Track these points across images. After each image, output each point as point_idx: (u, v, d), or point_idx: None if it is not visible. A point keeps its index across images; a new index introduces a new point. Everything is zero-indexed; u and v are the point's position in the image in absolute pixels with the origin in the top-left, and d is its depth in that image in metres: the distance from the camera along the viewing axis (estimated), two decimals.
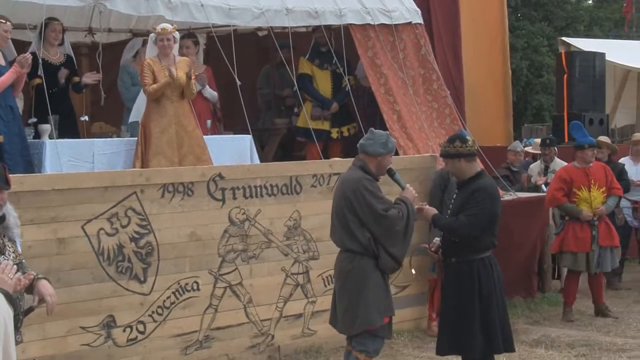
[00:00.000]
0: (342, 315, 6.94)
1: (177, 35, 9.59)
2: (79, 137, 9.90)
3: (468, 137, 7.13)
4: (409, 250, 7.09)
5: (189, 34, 10.80)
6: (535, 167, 11.98)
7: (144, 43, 10.44)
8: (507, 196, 11.01)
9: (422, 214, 7.19)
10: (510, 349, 7.12)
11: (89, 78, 10.07)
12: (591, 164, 10.43)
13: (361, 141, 7.06)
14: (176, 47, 9.57)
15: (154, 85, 9.26)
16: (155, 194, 8.06)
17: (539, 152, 12.82)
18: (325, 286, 9.12)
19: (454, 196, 7.21)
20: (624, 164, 12.06)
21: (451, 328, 7.01)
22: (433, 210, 7.27)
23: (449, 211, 7.17)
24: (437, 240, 7.27)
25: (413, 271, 8.61)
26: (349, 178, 6.96)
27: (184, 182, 8.24)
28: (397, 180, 7.11)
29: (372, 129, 7.14)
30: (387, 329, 7.02)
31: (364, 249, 6.80)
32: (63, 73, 9.87)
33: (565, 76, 13.71)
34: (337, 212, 6.93)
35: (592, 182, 10.31)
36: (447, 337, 7.06)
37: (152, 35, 9.52)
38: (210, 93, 10.81)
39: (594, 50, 14.69)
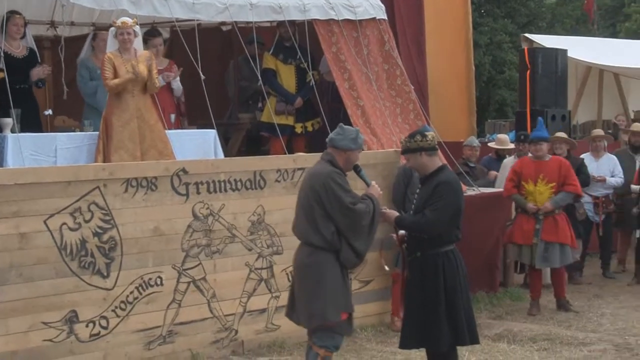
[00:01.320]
0: (301, 309, 7.00)
1: (138, 29, 9.55)
2: (42, 131, 9.84)
3: (428, 132, 7.15)
4: (378, 244, 7.11)
5: (152, 31, 10.76)
6: (509, 162, 12.04)
7: (95, 37, 10.42)
8: (470, 191, 11.07)
9: (384, 218, 7.17)
10: (475, 341, 7.15)
11: (38, 73, 9.94)
12: (546, 158, 10.53)
13: (331, 135, 7.11)
14: (137, 40, 9.52)
15: (115, 80, 9.21)
16: (118, 189, 8.03)
17: (503, 147, 12.91)
18: (289, 281, 9.10)
19: (417, 191, 7.21)
20: (583, 159, 12.15)
21: (416, 322, 7.00)
22: (394, 213, 7.28)
23: (413, 206, 7.18)
24: (402, 231, 7.26)
25: (386, 267, 8.68)
26: (318, 171, 6.98)
27: (148, 177, 8.21)
28: (362, 177, 7.15)
29: (342, 124, 7.19)
30: (345, 325, 7.06)
31: (326, 244, 6.83)
32: (36, 73, 9.81)
33: (528, 72, 13.77)
34: (303, 204, 6.96)
35: (541, 176, 10.39)
36: (412, 331, 7.06)
37: (112, 29, 9.46)
38: (178, 85, 10.81)
39: (556, 46, 14.78)
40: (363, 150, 7.43)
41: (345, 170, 7.03)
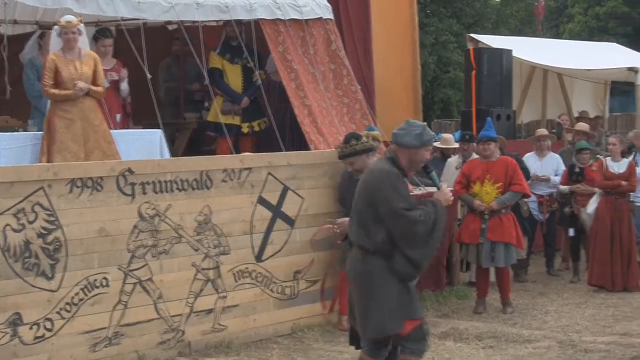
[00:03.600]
0: (358, 318, 6.52)
1: (83, 27, 9.46)
2: None
3: (362, 134, 7.12)
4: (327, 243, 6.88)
5: (104, 31, 10.69)
6: (454, 161, 12.12)
7: (42, 35, 10.33)
8: (417, 191, 11.11)
9: (341, 227, 7.03)
10: None
11: None
12: (494, 159, 10.62)
13: (395, 131, 6.45)
14: (82, 40, 9.43)
15: (55, 91, 9.16)
16: (63, 189, 7.95)
17: (448, 147, 12.98)
18: (236, 281, 9.11)
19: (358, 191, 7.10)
20: (517, 154, 12.22)
21: None
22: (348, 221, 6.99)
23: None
24: (345, 220, 7.09)
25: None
26: (375, 169, 6.47)
27: (93, 177, 8.14)
28: (433, 178, 6.65)
29: (409, 119, 6.59)
30: (418, 331, 6.51)
31: (377, 249, 6.32)
32: None
33: (474, 72, 13.88)
34: (357, 205, 6.43)
35: (489, 177, 10.48)
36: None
37: (56, 28, 9.37)
38: (125, 87, 10.73)
39: (501, 47, 14.90)
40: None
41: (409, 171, 6.45)
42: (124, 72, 10.56)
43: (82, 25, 9.39)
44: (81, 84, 9.16)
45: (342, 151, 7.10)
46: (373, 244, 6.30)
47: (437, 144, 13.69)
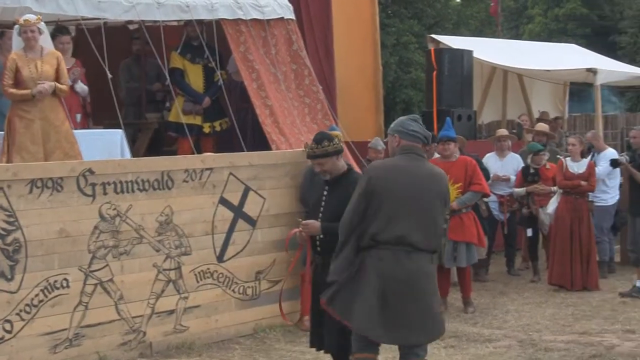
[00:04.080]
0: (419, 323, 6.31)
1: (44, 26, 9.39)
2: None
3: (333, 135, 7.15)
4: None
5: (61, 28, 10.60)
6: None
7: (2, 35, 10.23)
8: None
9: (308, 229, 6.98)
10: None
11: None
12: (453, 158, 10.67)
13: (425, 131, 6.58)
14: (43, 38, 9.36)
15: (13, 91, 9.08)
16: (22, 190, 7.89)
17: None
18: (198, 282, 9.09)
19: (325, 193, 7.06)
20: (476, 154, 12.28)
21: (334, 323, 6.69)
22: (317, 223, 6.95)
23: (322, 208, 7.02)
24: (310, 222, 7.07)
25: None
26: (436, 171, 6.57)
27: (53, 178, 8.08)
28: None
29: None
30: None
31: (426, 247, 6.31)
32: None
33: (435, 73, 13.92)
34: (424, 208, 6.28)
35: (448, 177, 10.50)
36: (330, 335, 6.85)
37: (16, 26, 9.29)
38: (82, 87, 10.63)
39: (462, 47, 14.97)
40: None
41: None
42: (77, 71, 10.45)
43: (42, 23, 9.31)
44: (46, 85, 9.07)
45: (313, 152, 7.02)
46: (438, 243, 6.40)
47: None
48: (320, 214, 7.02)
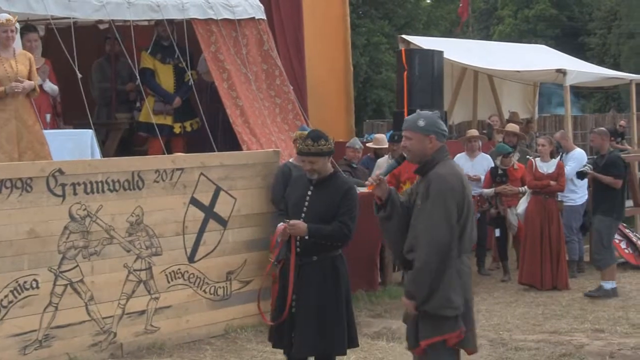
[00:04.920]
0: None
1: (18, 26, 9.34)
2: None
3: (328, 135, 7.11)
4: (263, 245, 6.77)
5: (29, 26, 10.54)
6: (383, 161, 12.17)
7: None
8: None
9: (294, 230, 6.90)
10: (356, 344, 7.14)
11: None
12: None
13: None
14: (16, 38, 9.31)
15: None
16: None
17: (380, 147, 13.06)
18: (169, 282, 9.06)
19: (309, 193, 6.95)
20: None
21: (313, 328, 6.71)
22: (303, 224, 6.78)
23: (305, 209, 6.89)
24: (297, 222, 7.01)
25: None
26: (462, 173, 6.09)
27: (22, 178, 8.03)
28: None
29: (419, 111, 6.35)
30: None
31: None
32: None
33: (405, 73, 13.93)
34: (470, 212, 5.85)
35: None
36: (305, 338, 6.77)
37: None
38: (51, 87, 10.59)
39: (432, 48, 15.00)
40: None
41: None
42: (47, 68, 10.38)
43: (17, 23, 9.27)
44: (25, 83, 9.03)
45: (309, 149, 6.87)
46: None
47: (369, 144, 13.79)
48: (303, 214, 6.87)
